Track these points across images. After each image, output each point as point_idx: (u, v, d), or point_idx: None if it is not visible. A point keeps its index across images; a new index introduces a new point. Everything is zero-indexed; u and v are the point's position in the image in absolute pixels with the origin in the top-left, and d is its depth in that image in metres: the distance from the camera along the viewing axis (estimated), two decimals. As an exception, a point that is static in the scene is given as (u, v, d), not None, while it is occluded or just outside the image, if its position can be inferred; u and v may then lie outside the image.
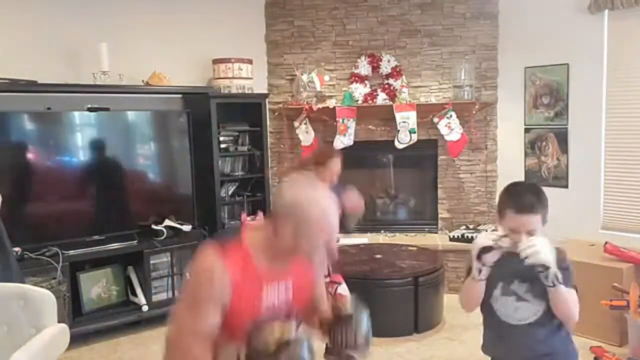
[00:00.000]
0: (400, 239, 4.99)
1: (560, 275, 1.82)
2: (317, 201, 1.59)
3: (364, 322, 1.71)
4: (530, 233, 1.84)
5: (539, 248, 1.78)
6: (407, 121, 4.78)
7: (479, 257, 1.89)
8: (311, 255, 1.64)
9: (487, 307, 2.01)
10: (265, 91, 5.10)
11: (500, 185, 5.05)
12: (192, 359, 1.56)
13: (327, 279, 3.28)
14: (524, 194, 1.90)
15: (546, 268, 1.79)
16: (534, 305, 1.92)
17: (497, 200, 2.01)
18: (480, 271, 1.90)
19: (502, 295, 1.96)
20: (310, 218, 1.58)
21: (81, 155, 4.11)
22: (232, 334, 1.61)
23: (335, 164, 3.26)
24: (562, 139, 4.60)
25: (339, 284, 3.26)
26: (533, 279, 1.87)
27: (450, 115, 4.77)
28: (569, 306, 1.88)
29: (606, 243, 3.91)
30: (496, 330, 2.02)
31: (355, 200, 3.22)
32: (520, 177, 4.90)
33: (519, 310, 1.94)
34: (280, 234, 1.60)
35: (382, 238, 5.05)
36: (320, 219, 1.59)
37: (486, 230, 1.80)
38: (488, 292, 1.97)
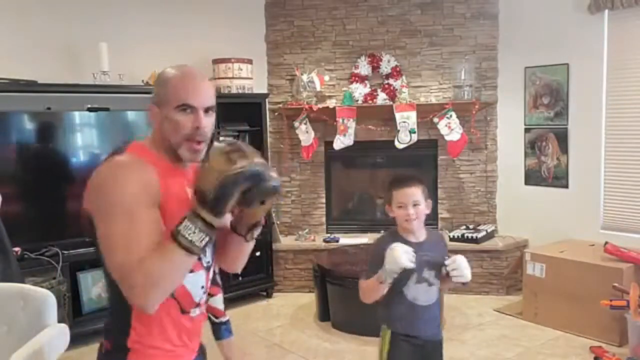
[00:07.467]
0: (400, 239, 4.97)
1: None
2: (177, 67, 1.46)
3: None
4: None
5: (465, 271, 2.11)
6: (407, 121, 4.78)
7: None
8: (177, 145, 1.44)
9: (396, 292, 2.17)
10: (265, 91, 5.10)
11: (501, 185, 5.06)
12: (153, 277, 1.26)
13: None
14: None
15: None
16: (436, 287, 2.23)
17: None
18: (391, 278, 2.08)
19: (416, 284, 2.18)
20: (167, 76, 1.44)
21: (81, 155, 4.11)
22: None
23: None
24: (562, 139, 4.60)
25: (212, 295, 2.38)
26: (436, 265, 2.19)
27: (450, 115, 4.76)
28: None
29: (606, 243, 3.90)
30: (406, 310, 2.20)
31: None
32: (521, 177, 4.90)
33: (428, 293, 2.21)
34: (155, 122, 1.45)
35: (382, 238, 5.05)
36: (176, 78, 1.42)
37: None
38: (401, 282, 2.15)
